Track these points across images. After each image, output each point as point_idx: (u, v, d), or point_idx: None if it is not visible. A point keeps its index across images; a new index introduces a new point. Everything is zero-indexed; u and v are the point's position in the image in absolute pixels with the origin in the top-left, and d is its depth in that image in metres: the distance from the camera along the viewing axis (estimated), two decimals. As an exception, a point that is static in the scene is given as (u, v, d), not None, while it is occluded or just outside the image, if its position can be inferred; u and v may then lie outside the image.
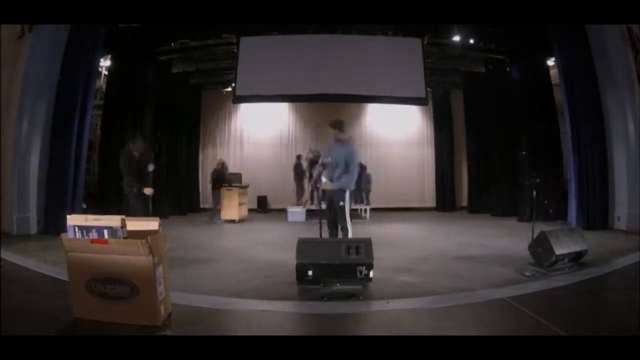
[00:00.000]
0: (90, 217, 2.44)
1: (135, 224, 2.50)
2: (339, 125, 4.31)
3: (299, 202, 9.65)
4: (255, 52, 7.94)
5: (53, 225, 6.12)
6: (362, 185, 9.19)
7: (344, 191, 4.12)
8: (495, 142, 9.30)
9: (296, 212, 8.70)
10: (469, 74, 9.62)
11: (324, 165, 4.19)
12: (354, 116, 11.38)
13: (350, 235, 4.05)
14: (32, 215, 6.03)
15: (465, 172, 10.75)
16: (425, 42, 8.18)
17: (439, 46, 8.61)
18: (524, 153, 4.73)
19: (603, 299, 3.32)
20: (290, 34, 7.94)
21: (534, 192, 4.61)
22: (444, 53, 8.86)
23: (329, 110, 10.90)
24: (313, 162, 9.51)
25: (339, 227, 4.18)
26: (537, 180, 4.51)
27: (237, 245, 5.63)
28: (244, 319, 2.79)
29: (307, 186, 9.75)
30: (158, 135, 5.36)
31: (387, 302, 2.97)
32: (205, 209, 10.44)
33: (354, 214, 9.22)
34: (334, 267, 3.31)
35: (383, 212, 9.94)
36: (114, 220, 2.38)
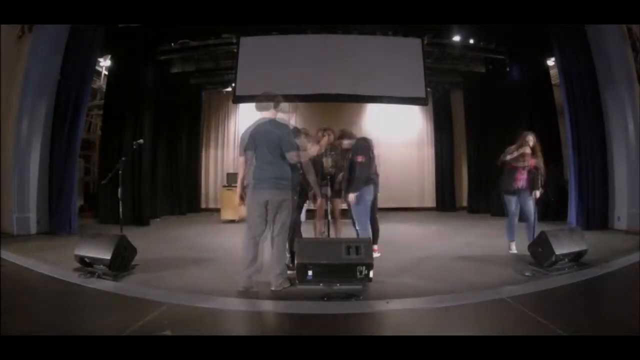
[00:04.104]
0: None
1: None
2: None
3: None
4: (255, 52, 7.93)
5: (53, 225, 6.13)
6: None
7: None
8: (495, 142, 9.29)
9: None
10: (469, 74, 9.61)
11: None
12: (354, 116, 11.37)
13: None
14: (32, 215, 6.03)
15: (465, 172, 10.73)
16: (425, 42, 8.17)
17: (439, 46, 8.60)
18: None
19: (603, 299, 3.32)
20: (290, 34, 7.94)
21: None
22: (444, 53, 8.85)
23: (329, 110, 10.91)
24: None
25: None
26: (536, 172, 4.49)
27: (237, 245, 5.61)
28: (243, 319, 2.79)
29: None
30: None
31: (387, 302, 2.97)
32: (206, 209, 10.45)
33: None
34: (334, 267, 3.31)
35: (383, 212, 9.89)
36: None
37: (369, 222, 4.20)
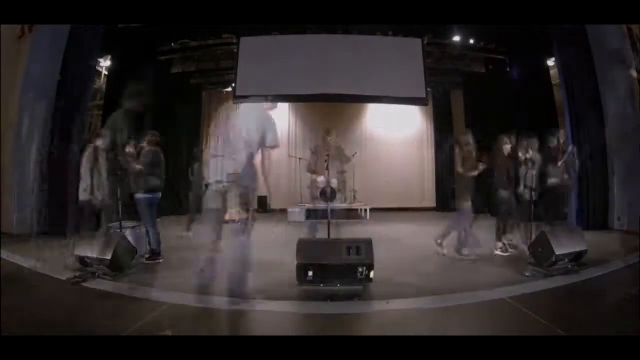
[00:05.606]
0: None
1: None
2: None
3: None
4: (255, 52, 7.93)
5: (53, 225, 6.12)
6: None
7: None
8: (495, 142, 9.28)
9: (296, 212, 8.70)
10: (469, 74, 9.61)
11: None
12: (354, 116, 11.37)
13: None
14: (32, 215, 6.02)
15: (465, 172, 10.73)
16: (425, 42, 8.17)
17: (439, 46, 8.60)
18: (525, 142, 4.73)
19: (603, 299, 3.32)
20: (290, 34, 7.94)
21: (532, 192, 4.60)
22: (444, 53, 8.85)
23: (329, 110, 10.92)
24: None
25: None
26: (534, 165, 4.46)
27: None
28: (244, 319, 2.79)
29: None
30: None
31: (387, 302, 2.97)
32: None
33: (354, 214, 9.22)
34: (334, 267, 3.31)
35: (383, 212, 9.93)
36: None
37: None
